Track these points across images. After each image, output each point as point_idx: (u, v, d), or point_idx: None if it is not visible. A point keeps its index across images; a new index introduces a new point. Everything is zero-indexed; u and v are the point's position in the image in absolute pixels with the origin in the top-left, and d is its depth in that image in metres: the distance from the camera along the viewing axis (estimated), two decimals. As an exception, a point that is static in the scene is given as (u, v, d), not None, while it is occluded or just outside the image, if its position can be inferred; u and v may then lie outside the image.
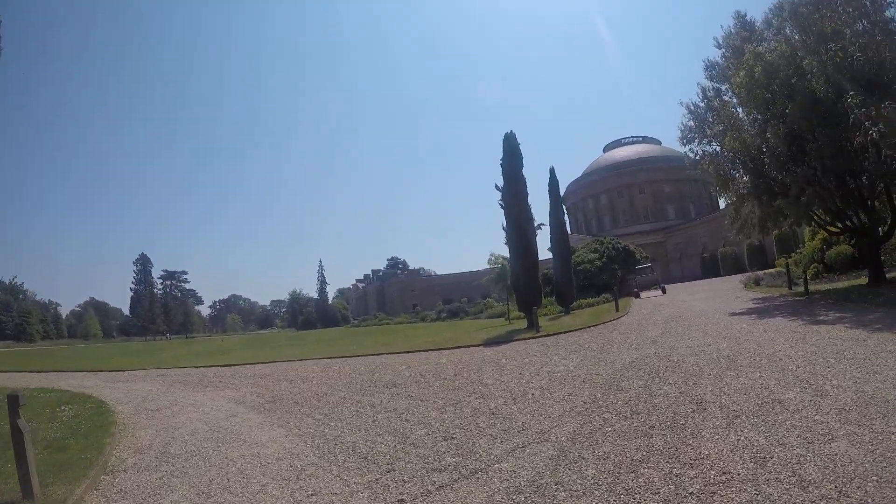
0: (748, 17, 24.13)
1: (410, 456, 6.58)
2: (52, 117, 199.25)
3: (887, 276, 21.57)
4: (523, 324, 24.89)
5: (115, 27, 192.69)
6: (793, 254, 34.96)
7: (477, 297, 70.62)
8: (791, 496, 4.26)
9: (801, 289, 22.65)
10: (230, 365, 22.28)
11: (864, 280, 22.39)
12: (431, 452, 6.62)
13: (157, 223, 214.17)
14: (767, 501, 4.24)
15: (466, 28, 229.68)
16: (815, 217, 23.22)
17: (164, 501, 6.05)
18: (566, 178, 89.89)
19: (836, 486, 4.33)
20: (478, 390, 10.29)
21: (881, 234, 21.88)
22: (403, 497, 5.30)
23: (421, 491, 5.41)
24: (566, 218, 37.37)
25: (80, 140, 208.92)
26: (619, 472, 5.25)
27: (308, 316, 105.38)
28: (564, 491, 4.98)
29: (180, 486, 6.50)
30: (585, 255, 43.14)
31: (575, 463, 5.68)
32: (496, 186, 25.48)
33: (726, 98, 24.64)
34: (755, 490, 4.46)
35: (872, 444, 5.16)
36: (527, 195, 25.56)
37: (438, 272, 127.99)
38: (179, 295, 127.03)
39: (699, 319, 17.91)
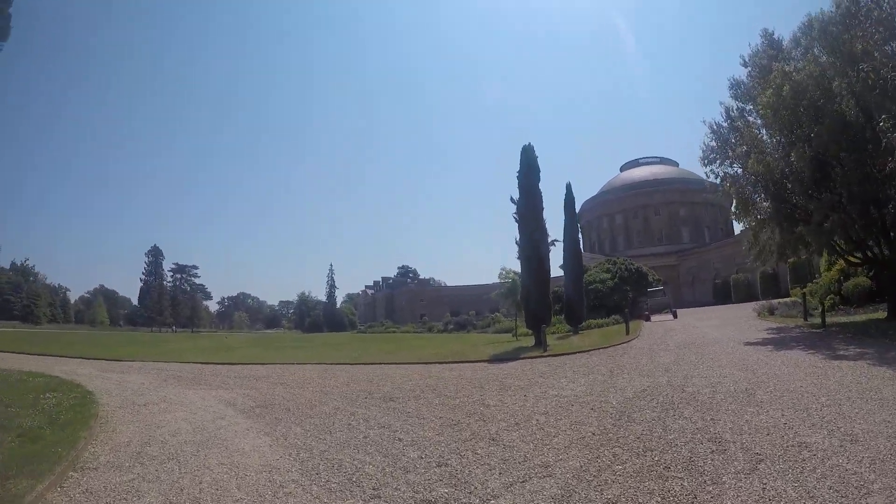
0: (776, 36, 23.56)
1: (399, 482, 6.03)
2: (75, 110, 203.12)
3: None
4: (531, 341, 24.27)
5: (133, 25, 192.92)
6: (808, 284, 34.27)
7: (485, 310, 70.22)
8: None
9: (818, 320, 22.03)
10: (229, 363, 22.15)
11: (882, 314, 21.75)
12: (422, 479, 6.07)
13: (172, 216, 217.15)
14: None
15: (488, 37, 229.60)
16: (837, 246, 22.47)
17: (128, 508, 5.61)
18: (581, 196, 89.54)
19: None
20: (479, 411, 9.70)
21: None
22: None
23: (405, 526, 4.87)
24: (580, 236, 36.76)
25: (103, 133, 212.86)
26: (630, 521, 4.67)
27: (315, 319, 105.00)
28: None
29: (149, 491, 6.11)
30: (597, 274, 42.64)
31: (581, 506, 5.10)
32: (511, 199, 24.96)
33: (751, 119, 24.05)
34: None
35: (914, 502, 4.58)
36: (542, 210, 25.02)
37: (448, 283, 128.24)
38: (189, 289, 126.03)
39: (713, 348, 17.27)
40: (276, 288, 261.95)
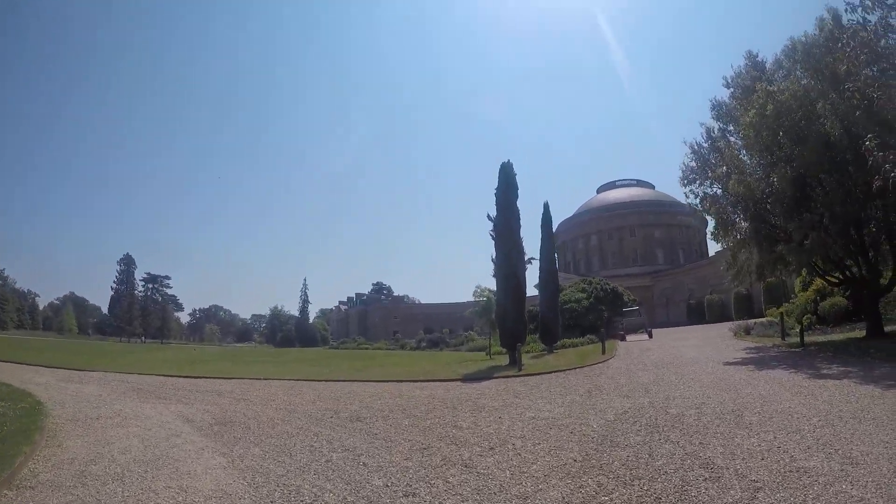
0: (759, 58, 23.62)
1: (361, 514, 5.36)
2: (53, 116, 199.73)
3: (885, 329, 20.84)
4: (505, 360, 23.72)
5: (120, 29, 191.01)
6: (784, 304, 34.35)
7: (459, 328, 70.03)
8: None
9: (795, 339, 22.00)
10: (192, 377, 21.38)
11: (859, 332, 21.85)
12: (387, 512, 5.40)
13: (146, 225, 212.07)
14: None
15: (465, 57, 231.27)
16: (816, 266, 22.37)
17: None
18: (558, 217, 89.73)
19: None
20: (450, 434, 9.03)
21: (882, 285, 21.18)
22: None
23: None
24: (556, 255, 36.45)
25: (79, 139, 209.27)
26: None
27: (287, 333, 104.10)
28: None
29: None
30: (573, 294, 42.51)
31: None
32: (488, 217, 24.47)
33: (732, 139, 24.07)
34: None
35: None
36: (520, 228, 24.57)
37: (422, 301, 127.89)
38: (160, 299, 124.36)
39: (692, 367, 16.84)
40: (248, 301, 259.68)
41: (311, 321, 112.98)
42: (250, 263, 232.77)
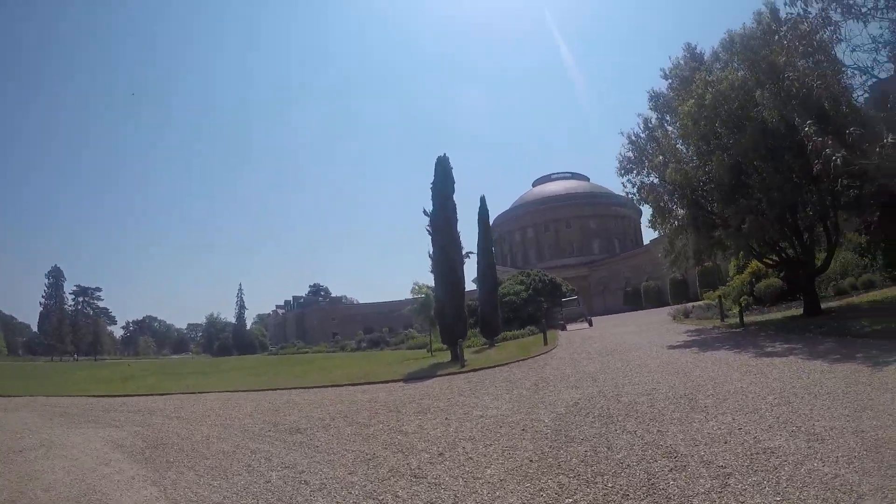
0: (698, 50, 23.90)
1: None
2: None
3: (822, 306, 21.38)
4: (447, 356, 23.26)
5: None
6: (720, 287, 35.12)
7: (399, 327, 69.32)
8: None
9: (734, 320, 22.50)
10: (125, 395, 20.12)
11: (796, 311, 22.40)
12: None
13: (74, 234, 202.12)
14: None
15: (400, 52, 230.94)
16: (753, 249, 22.84)
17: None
18: (494, 211, 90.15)
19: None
20: (396, 441, 8.40)
21: (818, 265, 21.69)
22: None
23: None
24: (493, 249, 36.26)
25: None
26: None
27: (225, 342, 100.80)
28: None
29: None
30: (511, 286, 42.72)
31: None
32: (424, 211, 23.85)
33: (670, 129, 24.33)
34: None
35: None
36: (456, 221, 24.13)
37: (361, 300, 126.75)
38: (91, 313, 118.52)
39: (637, 353, 16.74)
40: (184, 310, 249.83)
41: (248, 327, 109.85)
42: (184, 270, 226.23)
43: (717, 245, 22.61)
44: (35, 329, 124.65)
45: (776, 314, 23.20)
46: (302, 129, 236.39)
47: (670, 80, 24.23)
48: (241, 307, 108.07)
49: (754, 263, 28.81)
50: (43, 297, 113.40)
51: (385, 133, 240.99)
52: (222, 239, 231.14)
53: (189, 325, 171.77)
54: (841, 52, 16.48)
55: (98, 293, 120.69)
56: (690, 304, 35.90)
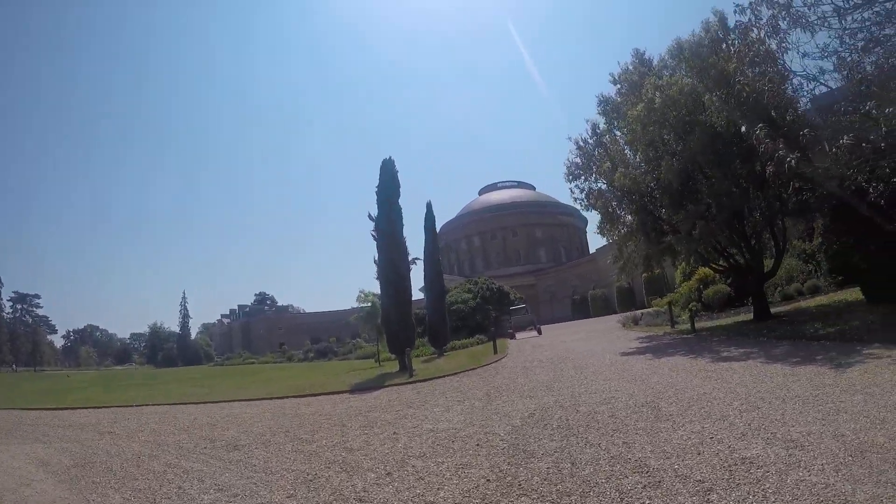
0: (646, 56, 23.94)
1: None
2: None
3: (771, 311, 21.50)
4: (395, 366, 22.54)
5: None
6: (668, 294, 35.38)
7: (346, 336, 68.42)
8: None
9: (684, 326, 22.67)
10: (57, 409, 19.40)
11: (745, 316, 22.58)
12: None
13: (11, 238, 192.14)
14: None
15: (345, 58, 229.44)
16: (701, 255, 22.87)
17: None
18: (440, 219, 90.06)
19: None
20: (340, 458, 7.65)
21: (766, 270, 21.89)
22: None
23: None
24: (440, 257, 35.77)
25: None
26: None
27: (169, 352, 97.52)
28: None
29: None
30: (459, 294, 42.45)
31: None
32: (369, 216, 23.14)
33: (618, 134, 24.27)
34: None
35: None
36: (402, 227, 23.46)
37: (307, 309, 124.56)
38: (30, 321, 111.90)
39: (590, 360, 16.43)
40: (126, 319, 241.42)
41: (193, 337, 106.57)
42: (126, 278, 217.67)
43: (666, 251, 22.58)
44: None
45: (726, 320, 23.34)
46: (247, 133, 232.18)
47: (619, 86, 24.21)
48: (185, 316, 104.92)
49: (702, 270, 29.12)
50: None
51: (331, 138, 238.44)
52: (165, 246, 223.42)
53: (132, 334, 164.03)
54: (790, 59, 16.57)
55: (37, 300, 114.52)
56: (639, 312, 36.14)
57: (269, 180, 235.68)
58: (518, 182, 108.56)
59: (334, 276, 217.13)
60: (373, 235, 23.06)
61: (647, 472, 5.32)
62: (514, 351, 23.96)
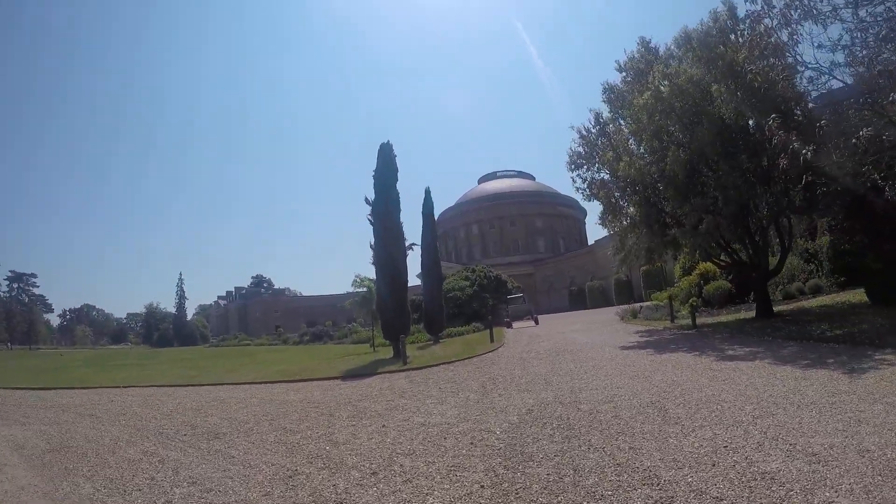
0: (652, 44, 23.26)
1: None
2: None
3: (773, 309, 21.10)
4: (389, 352, 22.14)
5: None
6: (667, 288, 34.93)
7: (342, 320, 68.28)
8: None
9: (685, 322, 22.31)
10: (44, 388, 19.46)
11: (745, 314, 22.24)
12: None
13: (9, 217, 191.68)
14: None
15: (349, 45, 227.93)
16: (707, 249, 22.37)
17: None
18: (439, 206, 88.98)
19: None
20: (324, 453, 7.15)
21: (771, 267, 21.51)
22: None
23: None
24: (438, 244, 35.28)
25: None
26: None
27: (164, 332, 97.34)
28: None
29: None
30: (456, 282, 42.12)
31: None
32: (366, 200, 22.68)
33: (622, 123, 23.69)
34: None
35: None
36: (399, 212, 23.07)
37: (304, 293, 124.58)
38: (27, 300, 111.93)
39: (589, 353, 15.98)
40: (123, 299, 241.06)
41: (189, 318, 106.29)
42: (123, 258, 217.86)
43: (670, 244, 22.11)
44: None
45: (727, 316, 22.87)
46: (249, 117, 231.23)
47: (625, 74, 23.65)
48: (182, 297, 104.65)
49: (702, 265, 28.68)
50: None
51: (332, 124, 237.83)
52: (163, 227, 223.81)
53: (129, 314, 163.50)
54: (802, 51, 16.03)
55: (34, 279, 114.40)
56: (638, 305, 35.67)
57: (268, 163, 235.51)
58: (518, 172, 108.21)
59: (332, 260, 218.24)
60: (369, 220, 22.62)
61: (658, 484, 4.83)
62: (511, 340, 23.60)
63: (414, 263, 28.39)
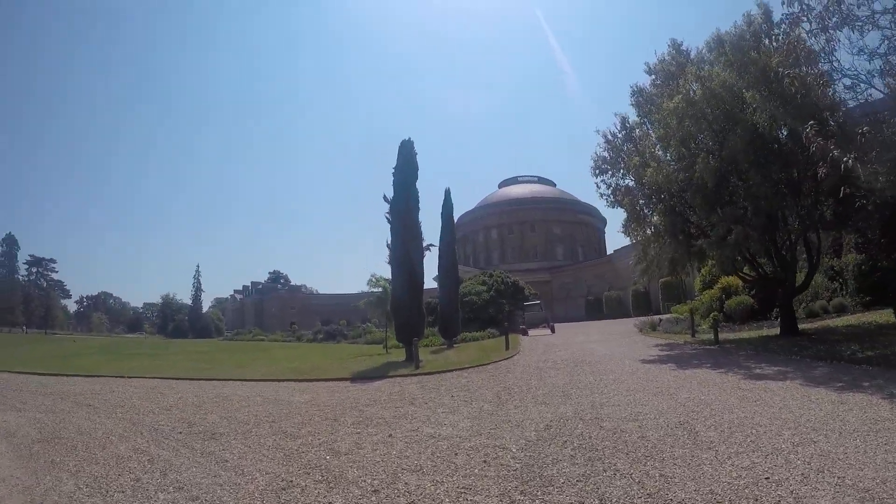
0: (684, 47, 22.56)
1: None
2: None
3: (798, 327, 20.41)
4: (402, 354, 21.66)
5: None
6: (688, 301, 34.23)
7: (357, 320, 68.25)
8: None
9: (706, 336, 21.71)
10: (48, 374, 19.49)
11: (768, 330, 21.64)
12: None
13: (31, 203, 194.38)
14: None
15: (366, 46, 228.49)
16: (735, 261, 21.65)
17: None
18: (458, 210, 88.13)
19: None
20: (324, 463, 6.63)
21: (797, 283, 20.82)
22: None
23: None
24: (456, 247, 34.77)
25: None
26: None
27: (180, 323, 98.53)
28: None
29: None
30: (473, 286, 41.64)
31: None
32: (385, 198, 22.18)
33: (649, 128, 23.03)
34: None
35: None
36: (418, 211, 22.55)
37: (320, 291, 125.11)
38: (45, 285, 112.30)
39: (608, 366, 15.36)
40: (140, 288, 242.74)
41: (204, 311, 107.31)
42: (142, 248, 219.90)
43: (695, 255, 21.48)
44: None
45: (750, 332, 22.15)
46: (269, 115, 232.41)
47: (654, 76, 22.96)
48: (198, 289, 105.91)
49: (724, 279, 27.99)
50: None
51: (354, 125, 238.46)
52: (182, 219, 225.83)
53: (145, 304, 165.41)
54: (839, 57, 15.38)
55: (53, 265, 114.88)
56: (657, 317, 34.96)
57: (288, 161, 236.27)
58: (539, 177, 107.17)
59: (348, 259, 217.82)
60: (387, 218, 22.14)
61: (695, 521, 4.25)
62: (527, 349, 23.04)
63: (430, 266, 28.01)
